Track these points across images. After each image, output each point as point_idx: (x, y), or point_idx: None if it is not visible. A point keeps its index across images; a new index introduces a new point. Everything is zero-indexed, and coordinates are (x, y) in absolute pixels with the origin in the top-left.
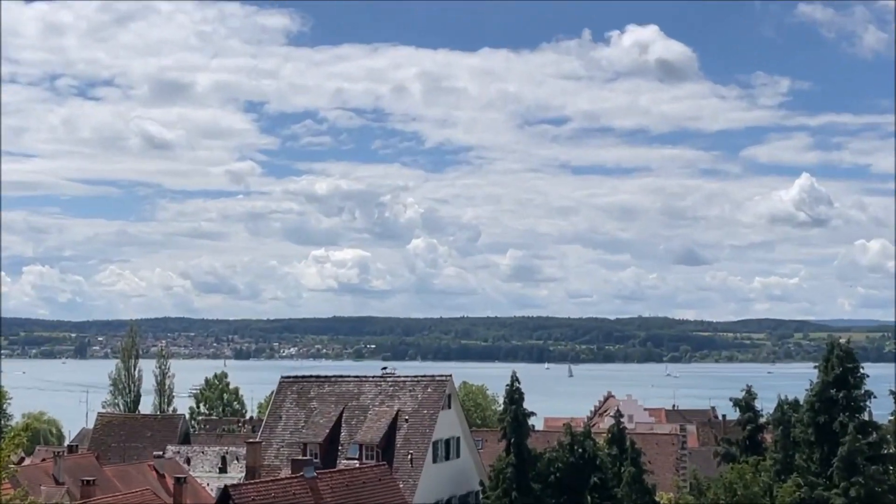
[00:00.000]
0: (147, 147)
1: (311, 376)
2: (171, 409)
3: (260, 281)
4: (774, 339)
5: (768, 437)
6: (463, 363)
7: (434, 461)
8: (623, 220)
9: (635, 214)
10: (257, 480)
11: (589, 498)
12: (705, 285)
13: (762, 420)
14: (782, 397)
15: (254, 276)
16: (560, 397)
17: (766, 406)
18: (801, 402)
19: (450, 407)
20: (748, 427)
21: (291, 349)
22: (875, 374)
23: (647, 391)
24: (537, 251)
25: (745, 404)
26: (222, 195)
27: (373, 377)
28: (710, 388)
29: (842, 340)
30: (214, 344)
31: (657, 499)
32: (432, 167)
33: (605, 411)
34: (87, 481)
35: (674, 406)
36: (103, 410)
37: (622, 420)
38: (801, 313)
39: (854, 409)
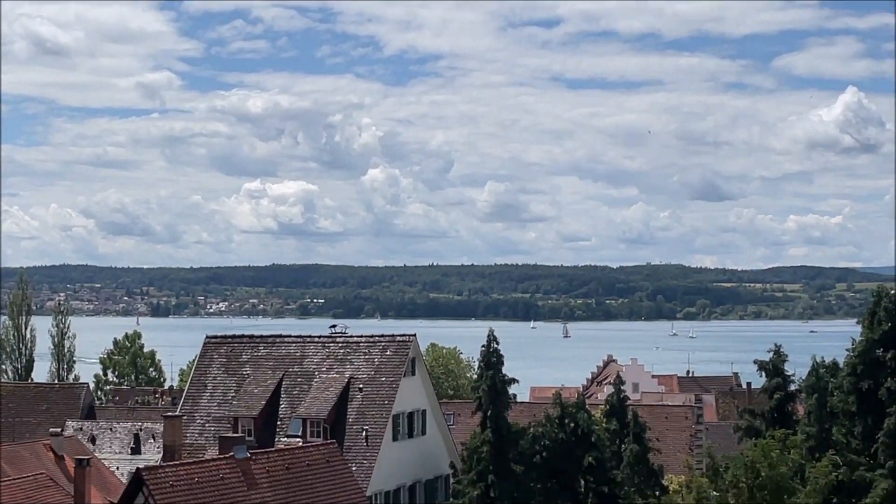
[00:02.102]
0: (37, 53)
1: (243, 336)
2: (71, 376)
3: (181, 221)
4: (812, 290)
5: (800, 408)
6: (431, 321)
7: (394, 439)
8: (629, 145)
9: (644, 139)
10: (177, 462)
11: (582, 482)
12: (729, 226)
13: (793, 387)
14: (818, 359)
15: (173, 215)
16: (550, 362)
17: (799, 370)
18: (841, 366)
19: (414, 373)
20: (776, 395)
21: (220, 304)
22: None
23: (655, 355)
24: (524, 184)
25: (773, 368)
26: (132, 114)
27: (319, 337)
28: (733, 350)
29: (892, 291)
30: (125, 298)
31: (665, 482)
32: (393, 80)
33: (605, 379)
34: None
35: (688, 372)
36: None
37: (624, 389)
38: (844, 259)
39: None
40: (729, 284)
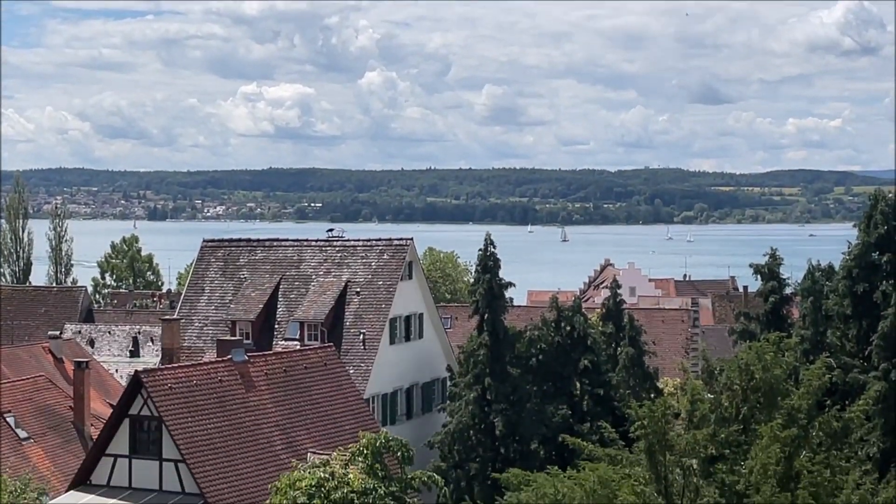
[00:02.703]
0: None
1: (240, 240)
2: (69, 280)
3: (177, 124)
4: (810, 194)
5: (795, 312)
6: (429, 225)
7: (391, 342)
8: (628, 48)
9: (643, 41)
10: (176, 365)
11: (578, 384)
12: (727, 129)
13: (789, 291)
14: (814, 263)
15: (169, 118)
16: (548, 266)
17: (796, 274)
18: (837, 269)
19: (411, 277)
20: (771, 299)
21: (218, 208)
22: None
23: (653, 259)
24: (521, 87)
25: (769, 272)
26: (127, 15)
27: (317, 241)
28: (730, 254)
29: (890, 194)
30: (122, 201)
31: (660, 385)
32: None
33: (602, 283)
34: None
35: (685, 276)
36: None
37: (620, 293)
38: (843, 163)
39: None
40: (727, 188)
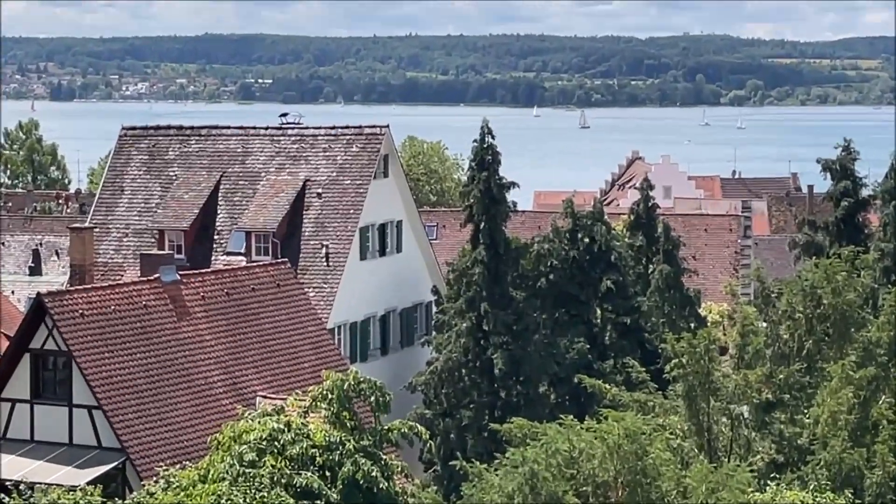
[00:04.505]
0: None
1: (169, 126)
2: None
3: None
4: (893, 68)
5: (874, 219)
6: (409, 107)
7: (362, 257)
8: None
9: None
10: (88, 286)
11: (598, 311)
12: None
13: (866, 193)
14: None
15: None
16: (560, 160)
17: (875, 171)
18: None
19: (386, 175)
20: (844, 203)
21: (139, 85)
22: None
23: (691, 151)
24: None
25: (841, 168)
26: None
27: (266, 129)
28: (792, 144)
29: None
30: (17, 76)
31: (703, 311)
32: None
33: (629, 181)
34: None
35: (734, 173)
36: None
37: (653, 195)
38: None
39: None
40: (788, 60)
